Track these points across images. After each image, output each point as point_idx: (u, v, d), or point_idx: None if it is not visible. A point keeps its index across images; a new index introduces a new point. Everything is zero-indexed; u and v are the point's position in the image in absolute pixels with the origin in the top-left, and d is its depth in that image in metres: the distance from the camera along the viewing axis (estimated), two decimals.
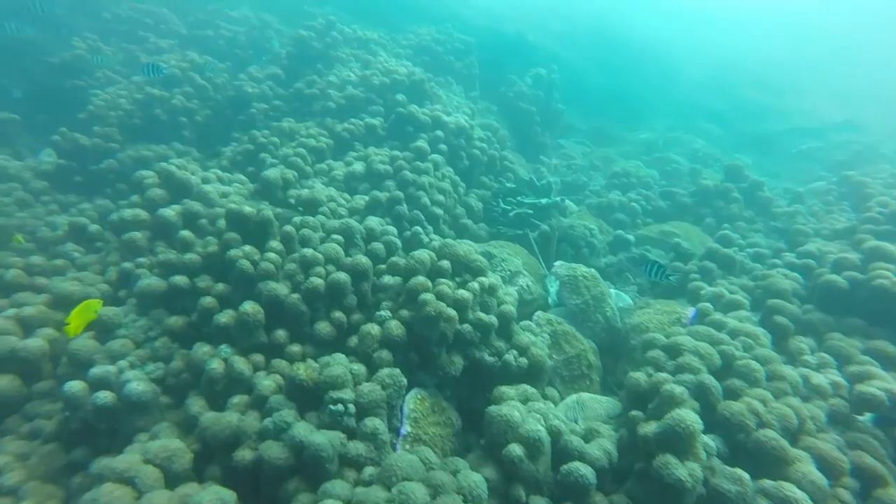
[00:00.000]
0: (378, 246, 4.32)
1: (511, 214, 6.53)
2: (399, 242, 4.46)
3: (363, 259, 3.82)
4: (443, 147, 6.27)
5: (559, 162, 9.44)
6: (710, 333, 3.85)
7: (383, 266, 4.10)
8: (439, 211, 5.56)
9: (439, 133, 6.36)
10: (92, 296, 4.14)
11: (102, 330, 3.77)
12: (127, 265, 4.33)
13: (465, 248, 4.07)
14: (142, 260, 4.39)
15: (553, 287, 5.84)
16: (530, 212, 6.58)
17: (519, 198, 6.75)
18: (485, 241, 6.27)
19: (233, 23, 9.88)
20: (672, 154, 10.27)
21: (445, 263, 3.82)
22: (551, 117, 9.99)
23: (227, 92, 7.76)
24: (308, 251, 3.74)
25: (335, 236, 4.17)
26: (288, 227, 4.09)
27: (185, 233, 4.17)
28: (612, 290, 5.59)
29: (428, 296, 3.44)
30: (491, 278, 3.95)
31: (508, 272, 5.24)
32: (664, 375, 3.48)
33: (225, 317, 3.53)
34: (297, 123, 6.72)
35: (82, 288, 4.16)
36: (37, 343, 3.62)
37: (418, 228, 4.96)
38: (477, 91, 9.74)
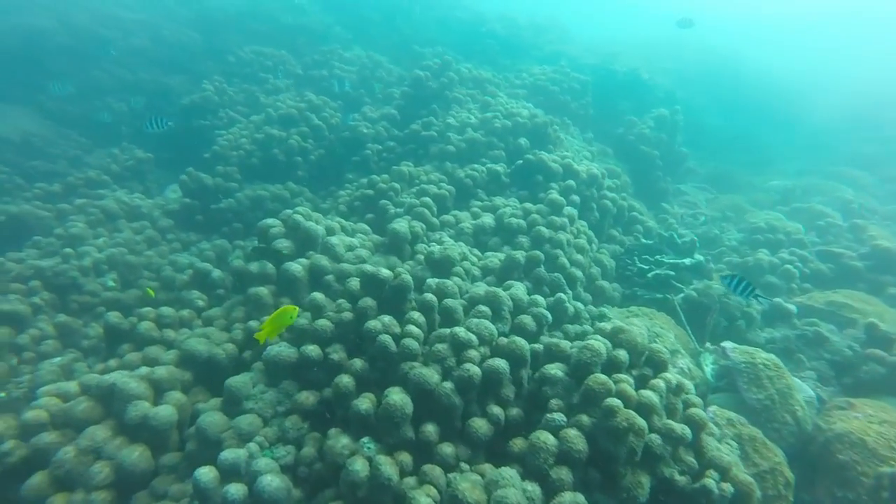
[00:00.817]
0: (526, 319, 3.73)
1: (649, 275, 5.74)
2: (550, 316, 3.85)
3: (522, 342, 3.24)
4: (575, 198, 5.64)
5: (684, 211, 8.49)
6: None
7: (538, 346, 3.50)
8: (578, 272, 4.92)
9: (571, 183, 5.76)
10: (218, 356, 3.88)
11: (230, 401, 3.46)
12: (254, 325, 4.06)
13: (641, 332, 3.39)
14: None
15: (708, 367, 4.96)
16: (672, 273, 5.76)
17: (657, 256, 5.95)
18: (619, 304, 5.52)
19: (346, 63, 10.03)
20: (816, 204, 8.96)
21: (622, 354, 3.15)
22: (674, 161, 9.10)
23: (341, 132, 7.69)
24: (461, 331, 3.21)
25: (482, 307, 3.64)
26: (428, 296, 3.62)
27: (318, 295, 3.82)
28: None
29: (614, 402, 2.77)
30: (676, 375, 3.22)
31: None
32: None
33: (365, 403, 3.07)
34: (416, 168, 6.41)
35: (209, 347, 3.91)
36: (167, 412, 3.35)
37: (561, 295, 4.32)
38: (591, 132, 9.10)
